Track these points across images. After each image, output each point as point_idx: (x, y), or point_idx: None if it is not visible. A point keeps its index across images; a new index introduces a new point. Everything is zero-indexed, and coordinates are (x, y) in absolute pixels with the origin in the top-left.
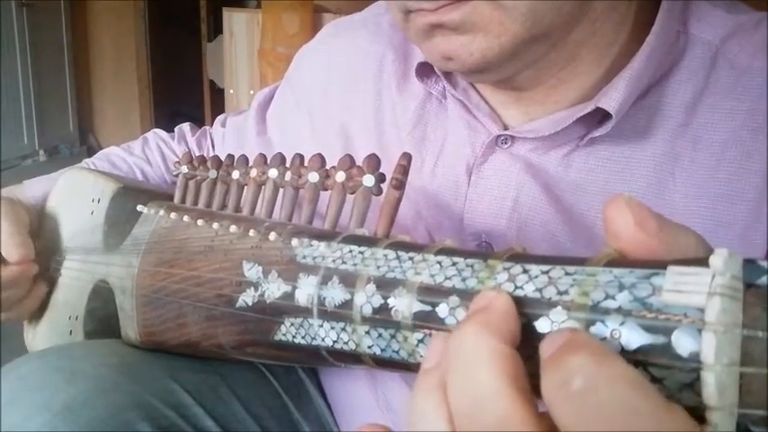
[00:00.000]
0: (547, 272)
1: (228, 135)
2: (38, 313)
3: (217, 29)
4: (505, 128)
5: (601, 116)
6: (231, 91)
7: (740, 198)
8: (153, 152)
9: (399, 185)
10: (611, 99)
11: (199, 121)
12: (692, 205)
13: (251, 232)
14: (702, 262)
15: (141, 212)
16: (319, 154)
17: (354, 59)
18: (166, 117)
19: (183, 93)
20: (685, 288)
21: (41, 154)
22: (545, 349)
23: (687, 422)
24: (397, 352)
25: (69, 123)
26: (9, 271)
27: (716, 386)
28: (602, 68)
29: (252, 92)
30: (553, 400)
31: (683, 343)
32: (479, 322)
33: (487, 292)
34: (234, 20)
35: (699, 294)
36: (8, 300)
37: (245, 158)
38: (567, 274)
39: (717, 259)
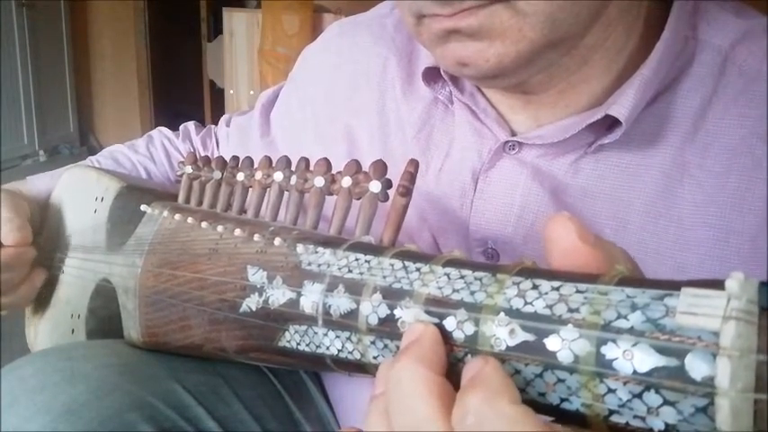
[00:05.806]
0: (557, 288)
1: (233, 135)
2: (40, 311)
3: (217, 29)
4: (513, 134)
5: (610, 123)
6: (231, 91)
7: (749, 206)
8: (157, 150)
9: (406, 192)
10: (621, 106)
11: (199, 121)
12: (701, 213)
13: (255, 236)
14: (717, 284)
15: (145, 212)
16: (325, 158)
17: (358, 60)
18: (166, 117)
19: (183, 93)
20: (700, 311)
21: (41, 154)
22: (463, 376)
23: None
24: None
25: (69, 123)
26: (5, 253)
27: (730, 412)
28: (612, 73)
29: (252, 92)
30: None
31: (696, 367)
32: (413, 355)
33: (416, 325)
34: (234, 20)
35: (713, 318)
36: (5, 283)
37: (249, 160)
38: (578, 291)
39: (732, 283)
